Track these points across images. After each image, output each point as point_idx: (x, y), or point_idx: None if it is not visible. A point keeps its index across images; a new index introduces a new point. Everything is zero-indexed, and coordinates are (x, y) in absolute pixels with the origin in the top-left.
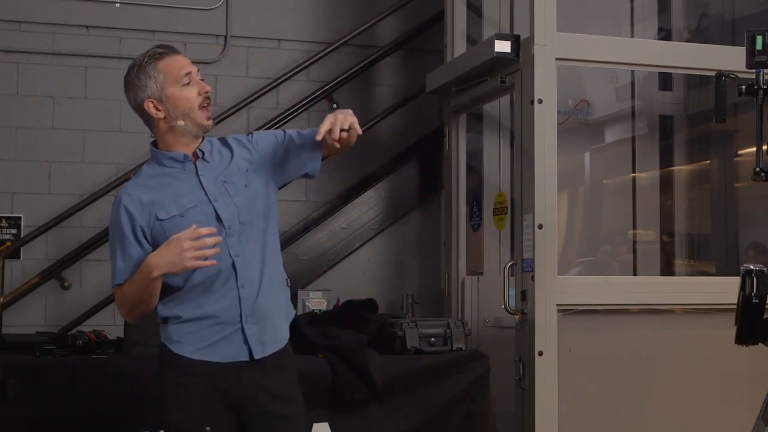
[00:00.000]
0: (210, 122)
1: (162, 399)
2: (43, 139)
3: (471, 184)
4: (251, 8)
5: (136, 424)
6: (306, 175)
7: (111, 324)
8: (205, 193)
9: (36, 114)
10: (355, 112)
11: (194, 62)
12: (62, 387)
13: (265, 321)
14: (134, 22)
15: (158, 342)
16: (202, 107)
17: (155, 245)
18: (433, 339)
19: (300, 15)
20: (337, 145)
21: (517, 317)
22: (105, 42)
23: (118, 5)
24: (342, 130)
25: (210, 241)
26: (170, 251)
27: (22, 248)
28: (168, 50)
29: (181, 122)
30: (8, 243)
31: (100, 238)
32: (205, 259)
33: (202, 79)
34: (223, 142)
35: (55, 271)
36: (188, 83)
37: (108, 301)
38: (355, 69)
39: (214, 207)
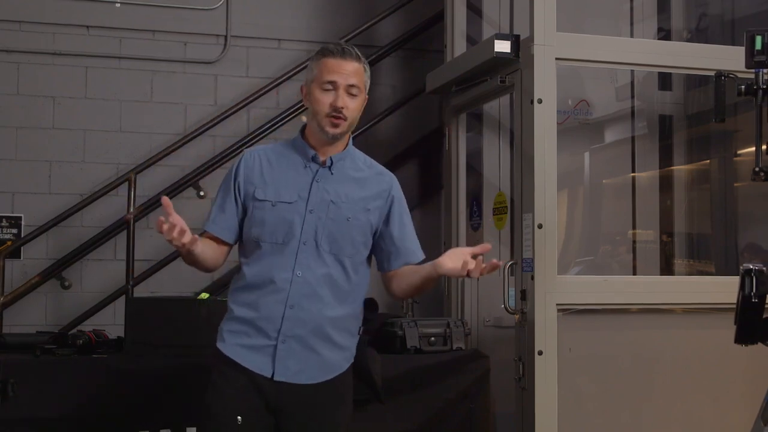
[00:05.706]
0: (333, 130)
1: (206, 388)
2: (43, 139)
3: (471, 184)
4: (251, 8)
5: (136, 424)
6: None
7: (111, 324)
8: (307, 200)
9: (36, 114)
10: None
11: (194, 62)
12: (62, 387)
13: (308, 353)
14: (134, 22)
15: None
16: (328, 116)
17: (243, 212)
18: (433, 338)
19: (300, 15)
20: None
21: (516, 317)
22: (105, 42)
23: (118, 5)
24: None
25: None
26: None
27: (22, 248)
28: (338, 53)
29: (305, 117)
30: (8, 243)
31: (100, 238)
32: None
33: (354, 94)
34: (386, 181)
35: (55, 271)
36: (329, 89)
37: (108, 300)
38: None
39: (303, 216)
